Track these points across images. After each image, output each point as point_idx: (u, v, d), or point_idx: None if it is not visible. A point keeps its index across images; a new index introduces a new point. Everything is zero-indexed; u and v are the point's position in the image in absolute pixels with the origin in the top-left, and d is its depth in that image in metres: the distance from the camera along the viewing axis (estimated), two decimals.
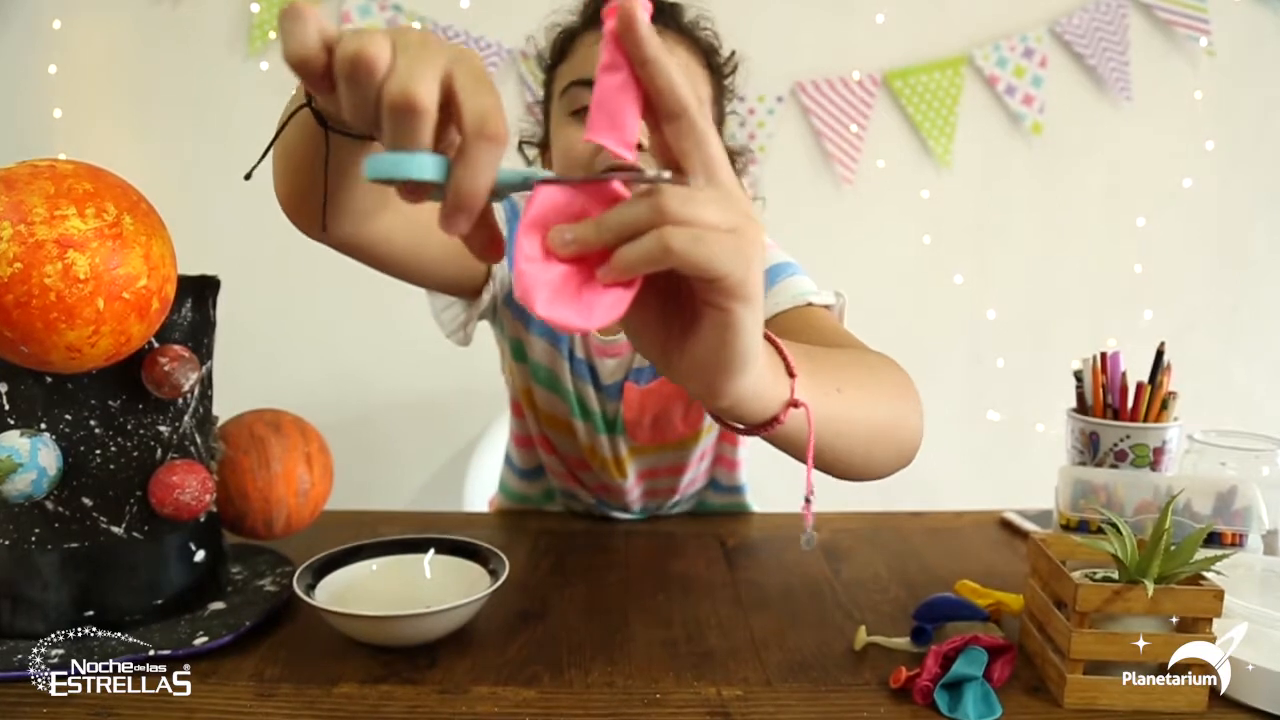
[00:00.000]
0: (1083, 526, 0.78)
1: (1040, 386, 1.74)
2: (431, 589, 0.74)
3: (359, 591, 0.73)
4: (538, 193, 0.39)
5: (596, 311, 0.39)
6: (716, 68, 0.90)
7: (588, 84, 0.80)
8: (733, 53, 0.92)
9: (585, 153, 0.81)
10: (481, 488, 1.40)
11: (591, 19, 0.86)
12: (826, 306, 0.82)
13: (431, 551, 0.78)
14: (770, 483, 1.47)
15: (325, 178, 0.58)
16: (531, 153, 0.96)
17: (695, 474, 1.03)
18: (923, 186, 1.72)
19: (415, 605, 0.65)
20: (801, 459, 0.52)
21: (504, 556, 0.74)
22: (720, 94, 0.91)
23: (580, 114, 0.83)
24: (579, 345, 0.94)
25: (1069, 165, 1.73)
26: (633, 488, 1.00)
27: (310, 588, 0.71)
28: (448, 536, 0.79)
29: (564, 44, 0.88)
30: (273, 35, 1.58)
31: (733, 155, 0.92)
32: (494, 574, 0.72)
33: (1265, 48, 1.72)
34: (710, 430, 1.00)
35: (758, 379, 0.45)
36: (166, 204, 0.70)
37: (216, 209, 1.62)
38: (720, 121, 0.92)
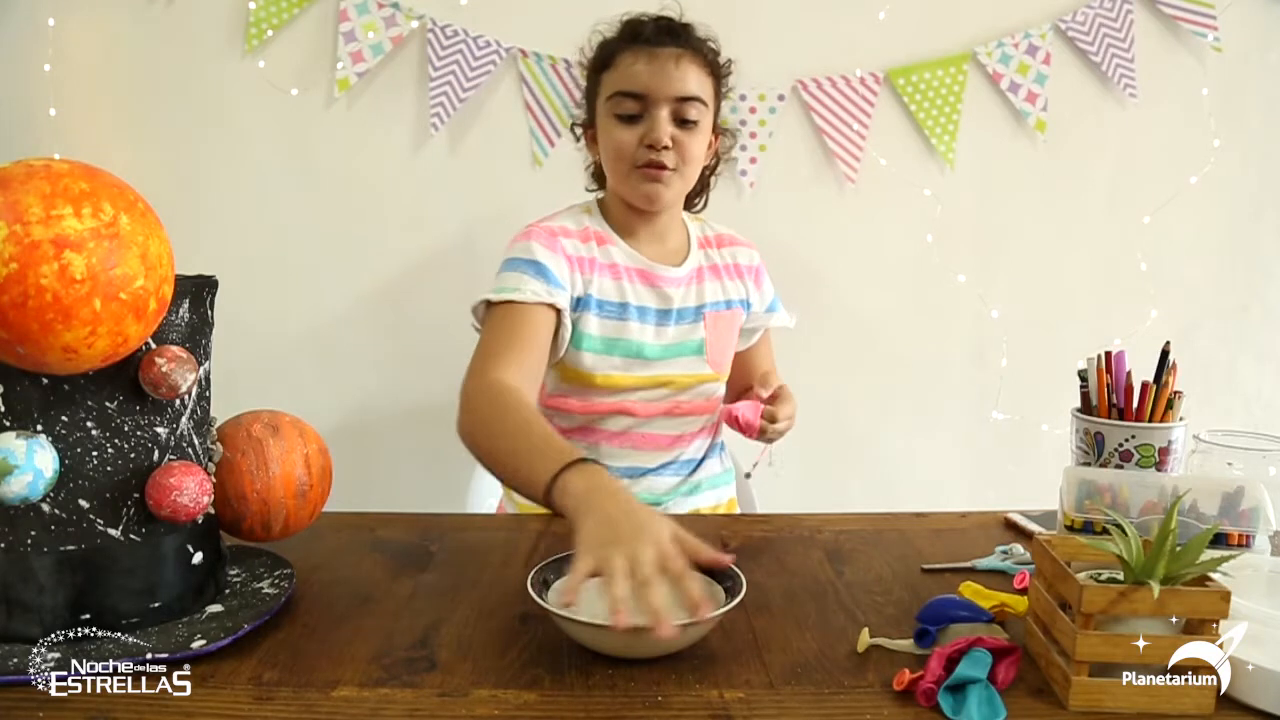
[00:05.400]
0: (1088, 527, 0.77)
1: (1045, 386, 1.72)
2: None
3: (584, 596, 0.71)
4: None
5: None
6: (719, 74, 1.13)
7: (628, 95, 1.06)
8: (729, 60, 1.16)
9: (629, 147, 1.06)
10: (485, 489, 1.40)
11: (630, 38, 1.08)
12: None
13: None
14: (772, 482, 1.46)
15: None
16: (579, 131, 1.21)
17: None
18: (925, 185, 1.71)
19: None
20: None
21: (739, 572, 0.72)
22: (719, 91, 1.14)
23: (622, 119, 1.07)
24: (647, 295, 1.14)
25: (1073, 163, 1.72)
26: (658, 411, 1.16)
27: (544, 586, 0.72)
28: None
29: (607, 55, 1.10)
30: (270, 33, 1.57)
31: (728, 135, 1.21)
32: (730, 591, 0.71)
33: (1273, 43, 1.70)
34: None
35: None
36: (163, 203, 0.69)
37: (214, 208, 1.61)
38: (717, 112, 1.15)
